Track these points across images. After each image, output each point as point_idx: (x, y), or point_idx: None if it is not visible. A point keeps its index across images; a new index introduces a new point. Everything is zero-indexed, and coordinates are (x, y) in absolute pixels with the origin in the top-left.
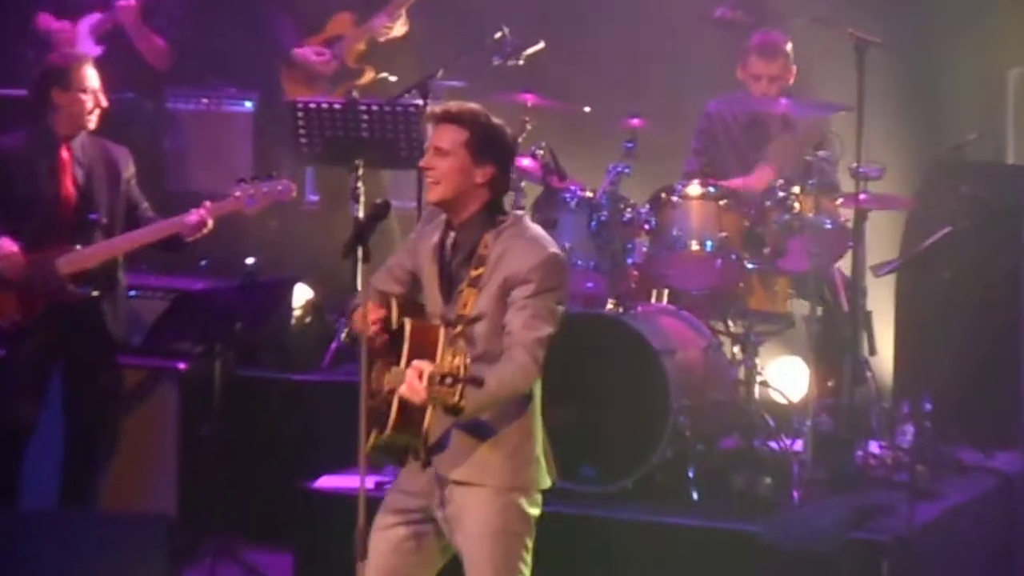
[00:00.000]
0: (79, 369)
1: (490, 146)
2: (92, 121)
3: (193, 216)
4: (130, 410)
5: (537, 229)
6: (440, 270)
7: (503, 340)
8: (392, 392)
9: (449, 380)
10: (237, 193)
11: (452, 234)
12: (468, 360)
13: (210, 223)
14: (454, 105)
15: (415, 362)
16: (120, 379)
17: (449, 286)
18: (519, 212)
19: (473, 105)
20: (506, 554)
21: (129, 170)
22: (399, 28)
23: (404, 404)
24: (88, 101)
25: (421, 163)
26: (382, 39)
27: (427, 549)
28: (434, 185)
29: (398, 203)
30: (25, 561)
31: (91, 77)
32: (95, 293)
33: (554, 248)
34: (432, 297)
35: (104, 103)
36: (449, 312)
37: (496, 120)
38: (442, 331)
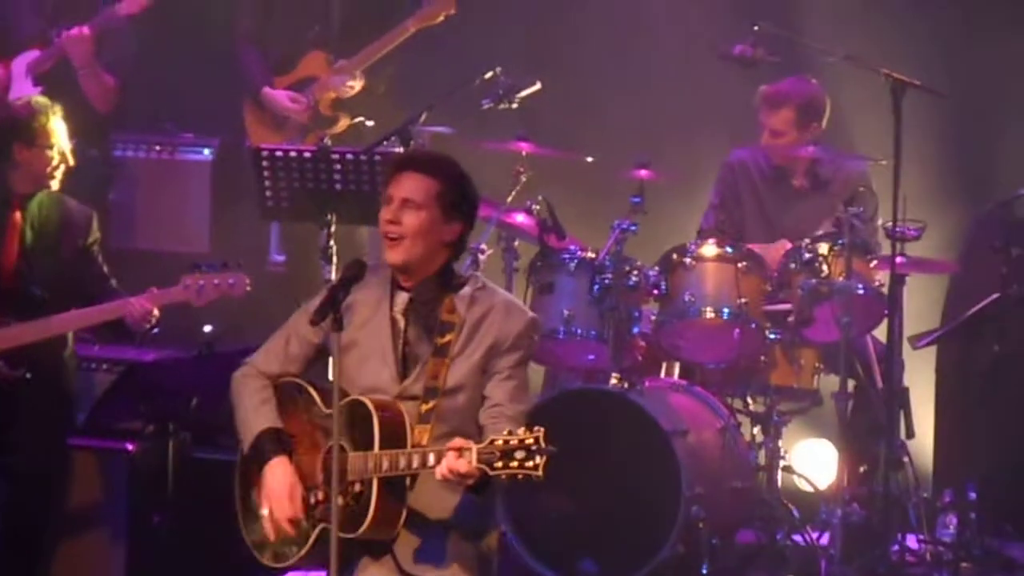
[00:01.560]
0: (13, 465)
1: (462, 201)
2: (56, 180)
3: (135, 306)
4: (72, 497)
5: (502, 290)
6: (394, 338)
7: (484, 413)
8: (359, 483)
9: (521, 453)
10: (187, 282)
11: (403, 296)
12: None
13: (155, 312)
14: (423, 152)
15: (456, 440)
16: (65, 478)
17: (406, 357)
18: (474, 273)
19: (442, 155)
20: None
21: (91, 236)
22: (356, 84)
23: (384, 498)
24: (54, 158)
25: (384, 215)
26: (345, 96)
27: None
28: (395, 244)
29: (376, 263)
30: None
31: (59, 132)
32: (27, 375)
33: (530, 311)
34: (377, 371)
35: (71, 161)
36: (412, 386)
37: (465, 171)
38: (405, 407)
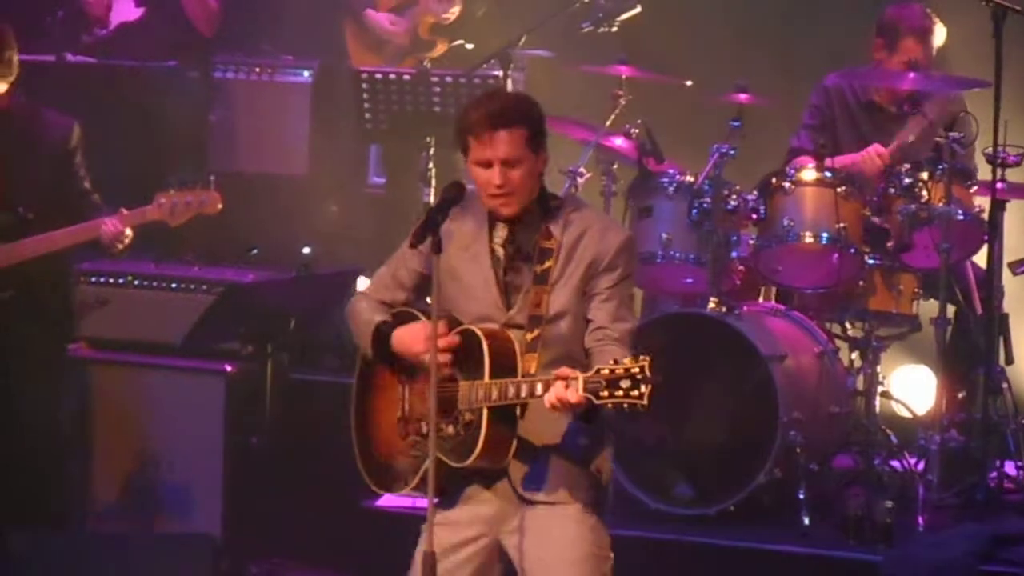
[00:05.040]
0: (14, 376)
1: (541, 131)
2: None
3: (108, 227)
4: (171, 417)
5: (598, 210)
6: (495, 269)
7: (589, 336)
8: (469, 412)
9: (627, 383)
10: (162, 200)
11: (502, 228)
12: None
13: (128, 233)
14: (503, 105)
15: (563, 370)
16: (64, 392)
17: (507, 287)
18: (570, 193)
19: (512, 93)
20: None
21: (69, 145)
22: (455, 9)
23: (494, 427)
24: None
25: (493, 179)
26: (445, 23)
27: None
28: (507, 200)
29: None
30: None
31: None
32: (6, 295)
33: (626, 229)
34: (483, 300)
35: (14, 71)
36: (517, 315)
37: (532, 98)
38: (513, 336)
